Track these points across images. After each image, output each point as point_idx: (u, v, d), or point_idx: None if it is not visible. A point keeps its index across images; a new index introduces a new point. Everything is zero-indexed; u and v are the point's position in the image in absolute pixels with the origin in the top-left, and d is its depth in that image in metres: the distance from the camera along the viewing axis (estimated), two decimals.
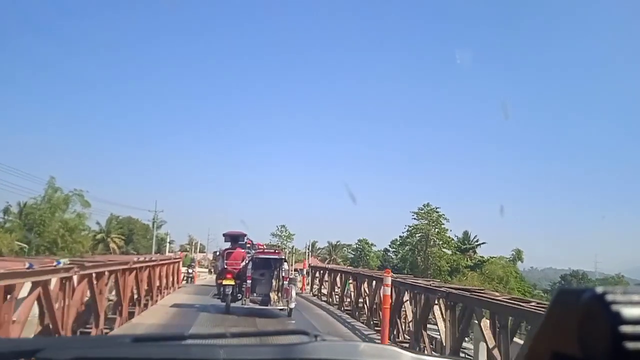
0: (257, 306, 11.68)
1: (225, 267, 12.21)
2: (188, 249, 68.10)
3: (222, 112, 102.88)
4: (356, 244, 61.01)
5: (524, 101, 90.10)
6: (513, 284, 36.84)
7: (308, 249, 49.63)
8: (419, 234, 44.22)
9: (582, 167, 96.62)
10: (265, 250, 13.31)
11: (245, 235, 14.05)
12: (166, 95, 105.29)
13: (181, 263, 19.83)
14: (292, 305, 11.72)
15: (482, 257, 42.22)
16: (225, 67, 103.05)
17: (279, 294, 12.17)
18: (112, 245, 52.32)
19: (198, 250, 69.55)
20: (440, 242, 42.38)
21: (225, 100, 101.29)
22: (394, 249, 58.64)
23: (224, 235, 13.79)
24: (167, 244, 49.52)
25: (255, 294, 11.92)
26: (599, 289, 0.53)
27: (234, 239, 13.33)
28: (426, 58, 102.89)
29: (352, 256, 60.56)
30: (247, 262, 12.23)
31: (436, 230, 44.02)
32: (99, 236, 52.66)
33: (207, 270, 52.44)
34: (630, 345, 0.48)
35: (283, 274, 12.05)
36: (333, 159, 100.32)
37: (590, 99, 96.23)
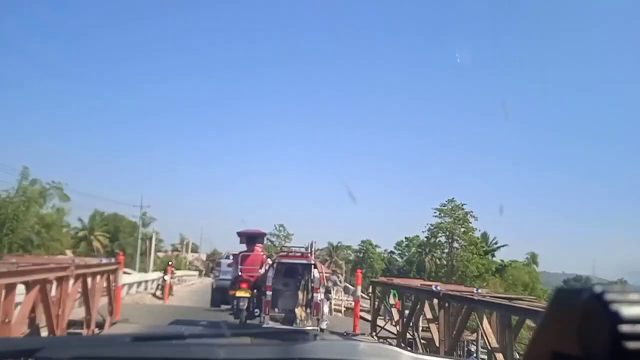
0: (278, 325, 9.61)
1: (240, 274, 10.01)
2: (179, 249, 64.28)
3: (219, 110, 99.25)
4: (359, 245, 57.30)
5: (523, 104, 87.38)
6: (540, 291, 32.83)
7: (311, 249, 45.55)
8: (442, 234, 39.64)
9: (579, 170, 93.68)
10: (291, 254, 10.30)
11: (264, 234, 11.61)
12: (164, 91, 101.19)
13: (119, 274, 10.00)
14: (324, 325, 9.88)
15: (503, 261, 38.06)
16: (225, 68, 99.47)
17: (307, 310, 9.73)
18: (95, 243, 48.39)
19: (190, 250, 65.78)
20: (466, 244, 37.63)
21: (223, 100, 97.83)
22: (399, 251, 55.07)
23: (238, 234, 11.04)
24: (153, 243, 45.22)
25: (276, 310, 9.82)
26: (598, 288, 0.53)
27: (251, 239, 10.71)
28: (427, 59, 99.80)
29: (355, 258, 56.82)
30: (267, 268, 10.00)
31: (462, 229, 39.30)
32: (81, 234, 48.86)
33: (197, 273, 48.31)
34: (630, 344, 0.48)
35: (313, 284, 9.56)
36: (333, 160, 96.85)
37: (591, 102, 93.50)
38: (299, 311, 9.79)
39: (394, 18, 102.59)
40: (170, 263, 22.51)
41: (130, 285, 18.86)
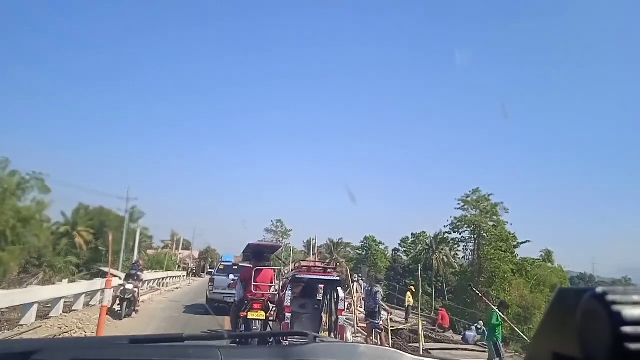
0: None
1: (254, 291, 8.46)
2: (170, 246, 60.78)
3: (217, 104, 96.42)
4: (361, 242, 53.96)
5: (521, 102, 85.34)
6: None
7: (310, 245, 42.08)
8: (466, 228, 35.64)
9: (579, 167, 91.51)
10: (312, 269, 8.99)
11: (279, 247, 8.81)
12: (161, 80, 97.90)
13: None
14: None
15: (525, 259, 34.62)
16: (227, 63, 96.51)
17: (331, 335, 8.62)
18: (78, 240, 44.67)
19: (182, 247, 62.29)
20: (495, 239, 32.87)
21: (220, 96, 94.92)
22: (404, 248, 51.81)
23: (247, 249, 9.44)
24: (137, 239, 41.55)
25: None
26: (600, 289, 0.52)
27: (258, 254, 8.84)
28: (426, 57, 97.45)
29: (357, 255, 53.46)
30: (281, 286, 9.13)
31: (491, 223, 34.77)
32: (62, 229, 45.06)
33: (184, 273, 44.63)
34: (632, 346, 0.47)
35: (339, 306, 8.35)
36: (334, 156, 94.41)
37: (590, 99, 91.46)
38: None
39: (400, 15, 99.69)
40: (136, 262, 15.31)
41: (76, 297, 13.39)
